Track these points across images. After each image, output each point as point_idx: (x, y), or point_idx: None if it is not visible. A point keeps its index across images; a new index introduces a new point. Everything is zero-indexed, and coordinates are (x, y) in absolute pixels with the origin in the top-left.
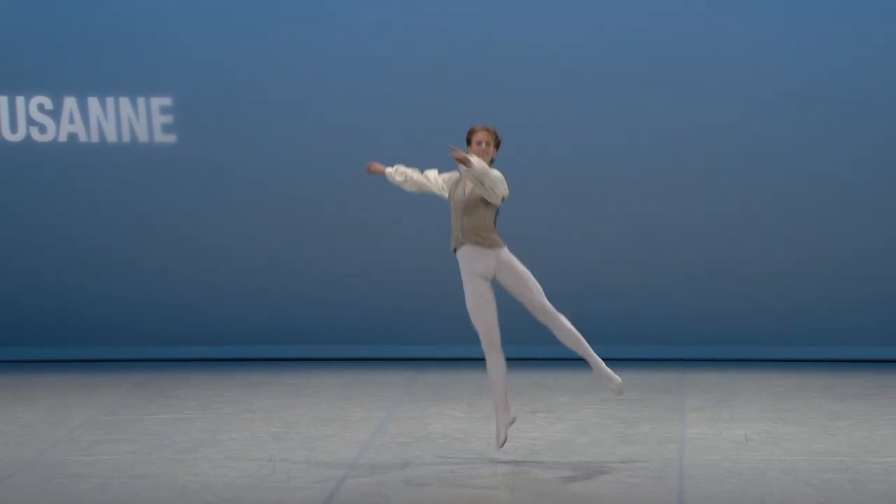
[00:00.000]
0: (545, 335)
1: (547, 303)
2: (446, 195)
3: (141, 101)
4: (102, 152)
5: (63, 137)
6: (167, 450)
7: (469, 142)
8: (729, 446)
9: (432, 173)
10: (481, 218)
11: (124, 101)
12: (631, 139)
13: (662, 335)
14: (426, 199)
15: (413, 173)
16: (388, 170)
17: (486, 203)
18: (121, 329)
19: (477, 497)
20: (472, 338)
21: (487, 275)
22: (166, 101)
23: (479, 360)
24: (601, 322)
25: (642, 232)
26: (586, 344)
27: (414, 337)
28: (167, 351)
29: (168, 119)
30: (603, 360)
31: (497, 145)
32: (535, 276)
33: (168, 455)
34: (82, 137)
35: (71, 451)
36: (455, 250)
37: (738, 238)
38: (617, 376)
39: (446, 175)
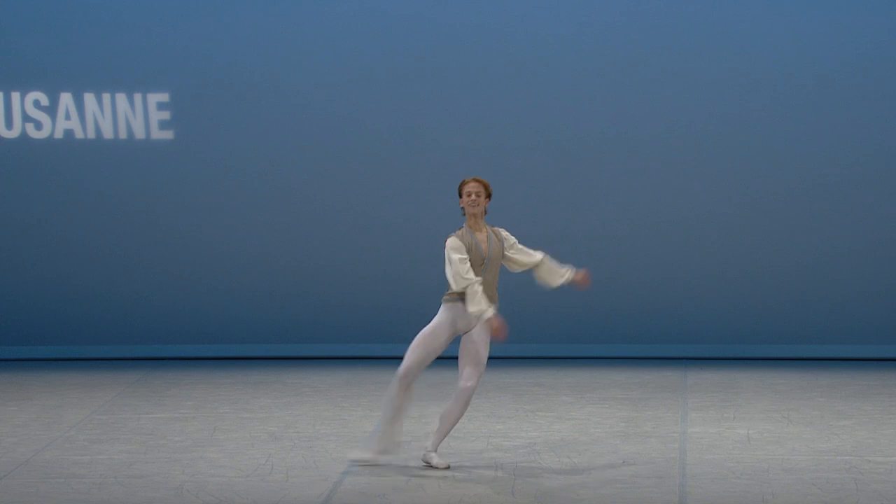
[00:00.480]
0: (545, 334)
1: (476, 382)
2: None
3: (138, 96)
4: (99, 149)
5: (59, 134)
6: (163, 449)
7: (461, 193)
8: (731, 446)
9: (466, 261)
10: (496, 276)
11: (121, 97)
12: (633, 140)
13: (665, 333)
14: (428, 198)
15: (478, 284)
16: (493, 311)
17: (501, 258)
18: (117, 327)
19: (476, 497)
20: None
21: (464, 330)
22: (163, 97)
23: None
24: (604, 320)
25: (645, 231)
26: (448, 430)
27: (413, 335)
28: (163, 349)
29: (165, 115)
30: (606, 358)
31: (488, 196)
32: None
33: (164, 455)
34: (78, 134)
35: (66, 450)
36: (455, 302)
37: (741, 237)
38: (432, 459)
39: (462, 246)
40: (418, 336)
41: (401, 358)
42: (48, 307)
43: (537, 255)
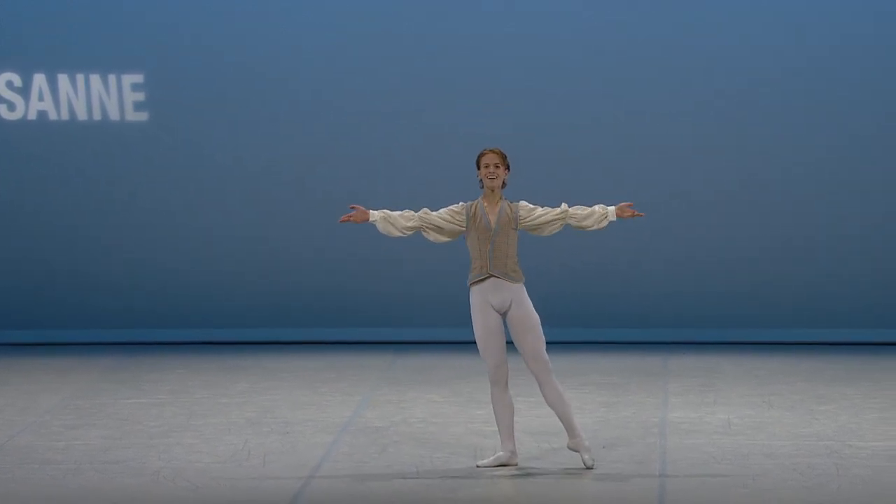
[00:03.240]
0: None
1: (545, 354)
2: (465, 228)
3: (112, 77)
4: (72, 130)
5: (32, 115)
6: (140, 435)
7: (478, 165)
8: (712, 431)
9: (441, 224)
10: (510, 246)
11: (95, 78)
12: (613, 127)
13: (645, 318)
14: (412, 183)
15: (417, 226)
16: (375, 214)
17: (515, 231)
18: (93, 311)
19: (454, 482)
20: (453, 321)
21: (502, 308)
22: (138, 78)
23: (459, 344)
24: (584, 304)
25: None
26: (571, 411)
27: (393, 320)
28: (140, 334)
29: (140, 97)
30: (586, 343)
31: (507, 167)
32: (522, 258)
33: (141, 440)
34: (52, 115)
35: (41, 436)
36: (474, 283)
37: (722, 221)
38: (591, 454)
39: (456, 216)
40: (476, 338)
41: (380, 342)
42: (22, 291)
43: (557, 218)
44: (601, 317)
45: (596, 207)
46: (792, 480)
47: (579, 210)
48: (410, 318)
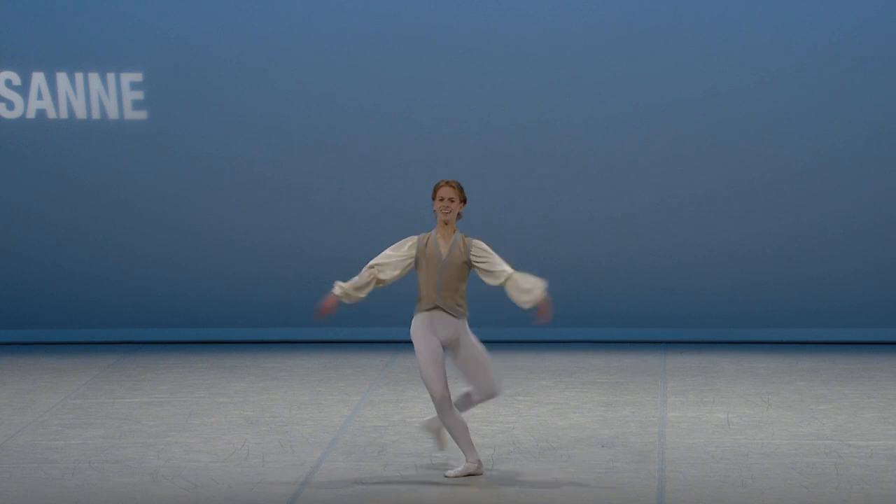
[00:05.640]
0: (523, 318)
1: (497, 385)
2: (412, 260)
3: (111, 76)
4: (71, 129)
5: (31, 114)
6: (138, 434)
7: (434, 196)
8: (711, 430)
9: (388, 259)
10: (460, 281)
11: (94, 77)
12: (612, 124)
13: (645, 317)
14: (409, 183)
15: (371, 276)
16: (337, 291)
17: (465, 265)
18: (91, 310)
19: (453, 481)
20: None
21: (448, 342)
22: (136, 76)
23: None
24: (584, 304)
25: (624, 215)
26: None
27: (392, 320)
28: (139, 333)
29: (138, 95)
30: (585, 341)
31: (463, 201)
32: (519, 254)
33: (139, 440)
34: (51, 114)
35: (40, 435)
36: (420, 312)
37: (720, 221)
38: (474, 463)
39: (403, 246)
40: (421, 364)
41: (378, 342)
42: (20, 290)
43: (501, 277)
44: (600, 315)
45: (537, 290)
46: (791, 480)
47: (522, 282)
48: (409, 317)
